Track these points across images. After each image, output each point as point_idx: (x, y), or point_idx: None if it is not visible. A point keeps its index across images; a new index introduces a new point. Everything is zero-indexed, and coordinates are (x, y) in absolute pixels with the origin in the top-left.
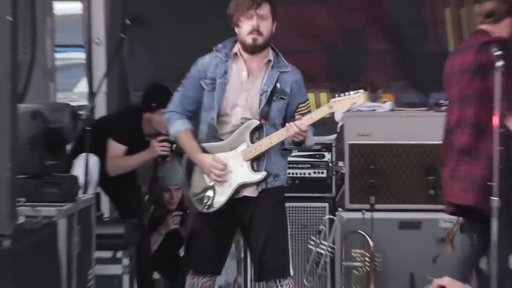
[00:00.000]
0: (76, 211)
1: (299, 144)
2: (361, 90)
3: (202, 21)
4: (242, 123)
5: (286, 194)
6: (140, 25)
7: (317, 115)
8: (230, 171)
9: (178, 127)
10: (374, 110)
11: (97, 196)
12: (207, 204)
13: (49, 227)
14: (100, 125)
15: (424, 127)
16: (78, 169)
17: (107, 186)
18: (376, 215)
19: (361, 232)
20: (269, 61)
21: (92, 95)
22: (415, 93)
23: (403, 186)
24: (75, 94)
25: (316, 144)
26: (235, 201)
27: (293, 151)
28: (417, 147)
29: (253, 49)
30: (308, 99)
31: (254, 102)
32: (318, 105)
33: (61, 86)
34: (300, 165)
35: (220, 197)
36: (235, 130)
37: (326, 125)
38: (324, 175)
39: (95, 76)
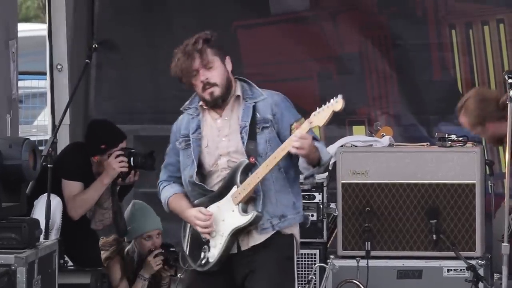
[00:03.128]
0: (37, 258)
1: (316, 164)
2: (340, 96)
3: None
4: (231, 167)
5: None
6: (109, 49)
7: (300, 133)
8: (223, 220)
9: (167, 193)
10: (370, 145)
11: (60, 241)
12: (202, 261)
13: (6, 276)
14: (53, 165)
15: (427, 165)
16: (39, 211)
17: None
18: (372, 262)
19: (355, 281)
20: (238, 96)
21: (54, 128)
22: (417, 126)
23: (403, 231)
24: (35, 127)
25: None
26: (235, 257)
27: (315, 175)
28: (419, 187)
29: (215, 103)
30: (301, 117)
31: (237, 144)
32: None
33: (20, 118)
34: None
35: (214, 250)
36: (225, 177)
37: None
38: (314, 218)
39: (57, 107)
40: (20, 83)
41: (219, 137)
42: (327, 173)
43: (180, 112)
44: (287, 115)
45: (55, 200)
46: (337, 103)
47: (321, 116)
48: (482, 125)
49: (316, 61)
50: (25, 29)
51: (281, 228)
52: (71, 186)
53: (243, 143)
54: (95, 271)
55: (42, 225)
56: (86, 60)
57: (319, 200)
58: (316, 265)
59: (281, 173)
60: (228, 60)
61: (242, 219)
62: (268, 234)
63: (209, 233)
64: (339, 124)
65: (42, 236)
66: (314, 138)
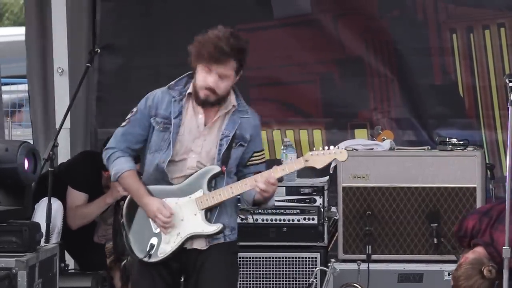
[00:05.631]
0: (38, 262)
1: (261, 203)
2: (343, 146)
3: (176, 49)
4: (199, 168)
5: (273, 243)
6: (110, 53)
7: (290, 168)
8: (181, 219)
9: (121, 165)
10: (371, 149)
11: (61, 245)
12: (149, 253)
13: (7, 280)
14: (61, 170)
15: (428, 168)
16: (39, 215)
17: (65, 241)
18: (373, 266)
19: (356, 285)
20: (233, 106)
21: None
22: (418, 129)
23: (403, 234)
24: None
25: (306, 187)
26: (182, 251)
27: (250, 211)
28: (419, 191)
29: (203, 104)
30: (263, 149)
31: (211, 148)
32: (311, 144)
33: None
34: (288, 211)
35: (165, 246)
36: (190, 175)
37: None
38: (315, 222)
39: (57, 111)
40: (21, 87)
41: (197, 133)
42: (327, 177)
43: None
44: (257, 142)
45: (56, 204)
46: (341, 154)
47: (320, 159)
48: None
49: (318, 65)
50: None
51: (231, 240)
52: (76, 196)
53: (219, 150)
54: (96, 275)
55: (43, 229)
56: (87, 64)
57: (320, 204)
58: (317, 268)
59: None
60: (238, 76)
61: (206, 228)
62: (216, 242)
63: (166, 229)
64: (341, 127)
65: (43, 240)
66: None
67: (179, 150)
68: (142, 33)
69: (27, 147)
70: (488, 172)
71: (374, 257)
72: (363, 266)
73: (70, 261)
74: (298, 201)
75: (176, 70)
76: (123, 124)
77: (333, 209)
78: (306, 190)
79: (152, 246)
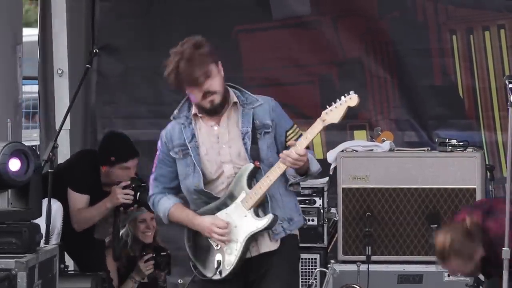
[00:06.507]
0: (37, 263)
1: (304, 174)
2: (352, 92)
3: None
4: (236, 173)
5: None
6: (109, 54)
7: (312, 133)
8: (235, 226)
9: (166, 204)
10: (371, 150)
11: (61, 246)
12: (218, 270)
13: (6, 281)
14: (60, 171)
15: (427, 169)
16: None
17: (64, 241)
18: (373, 267)
19: (356, 286)
20: (235, 103)
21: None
22: (418, 131)
23: (403, 235)
24: (37, 131)
25: (306, 188)
26: (250, 261)
27: (300, 183)
28: (419, 192)
29: (215, 111)
30: (294, 123)
31: (240, 150)
32: (311, 144)
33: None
34: None
35: (230, 257)
36: (230, 183)
37: None
38: (315, 223)
39: (57, 112)
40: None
41: (218, 144)
42: (327, 178)
43: None
44: (283, 121)
45: (56, 205)
46: (351, 99)
47: (335, 113)
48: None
49: (317, 66)
50: (26, 34)
51: (291, 231)
52: (77, 199)
53: (246, 148)
54: (95, 276)
55: (43, 230)
56: (87, 65)
57: (320, 205)
58: (317, 269)
59: (282, 176)
60: (220, 66)
61: (258, 223)
62: (279, 240)
63: (225, 242)
64: (340, 129)
65: (42, 241)
66: (307, 147)
67: (211, 169)
68: (140, 33)
69: (13, 147)
70: (488, 173)
71: (374, 258)
72: (363, 267)
73: (69, 262)
74: (298, 202)
75: None
76: (153, 170)
77: (333, 210)
78: (306, 191)
79: (219, 263)
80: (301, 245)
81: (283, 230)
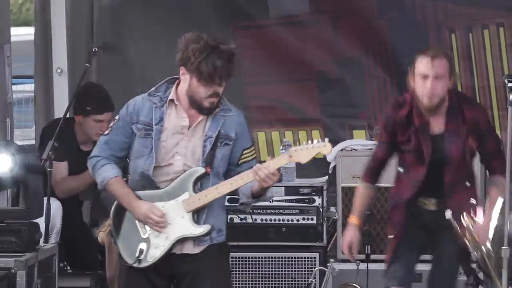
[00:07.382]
0: (37, 261)
1: (258, 196)
2: (327, 139)
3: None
4: (185, 171)
5: (272, 243)
6: (108, 53)
7: (276, 164)
8: (168, 222)
9: (107, 172)
10: (370, 149)
11: (60, 245)
12: (138, 258)
13: (6, 279)
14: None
15: None
16: None
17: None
18: (372, 266)
19: (355, 285)
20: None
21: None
22: None
23: None
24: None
25: (305, 187)
26: (172, 256)
27: (250, 205)
28: None
29: (209, 112)
30: (252, 145)
31: (196, 149)
32: None
33: (20, 122)
34: (287, 211)
35: (155, 251)
36: (176, 178)
37: (316, 166)
38: (314, 222)
39: (56, 111)
40: (21, 87)
41: (180, 135)
42: (327, 177)
43: None
44: (245, 139)
45: (55, 204)
46: (325, 147)
47: (304, 154)
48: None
49: (316, 65)
50: (26, 33)
51: (218, 241)
52: (56, 167)
53: (203, 151)
54: (95, 274)
55: (42, 229)
56: (86, 64)
57: (319, 204)
58: (316, 268)
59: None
60: None
61: (194, 230)
62: (203, 247)
63: (159, 231)
64: (339, 128)
65: (42, 240)
66: None
67: (164, 156)
68: (139, 31)
69: (10, 145)
70: (487, 173)
71: (373, 257)
72: (362, 266)
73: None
74: (297, 201)
75: (174, 70)
76: (106, 132)
77: (332, 209)
78: (305, 190)
79: (141, 251)
80: (300, 244)
81: (209, 239)
